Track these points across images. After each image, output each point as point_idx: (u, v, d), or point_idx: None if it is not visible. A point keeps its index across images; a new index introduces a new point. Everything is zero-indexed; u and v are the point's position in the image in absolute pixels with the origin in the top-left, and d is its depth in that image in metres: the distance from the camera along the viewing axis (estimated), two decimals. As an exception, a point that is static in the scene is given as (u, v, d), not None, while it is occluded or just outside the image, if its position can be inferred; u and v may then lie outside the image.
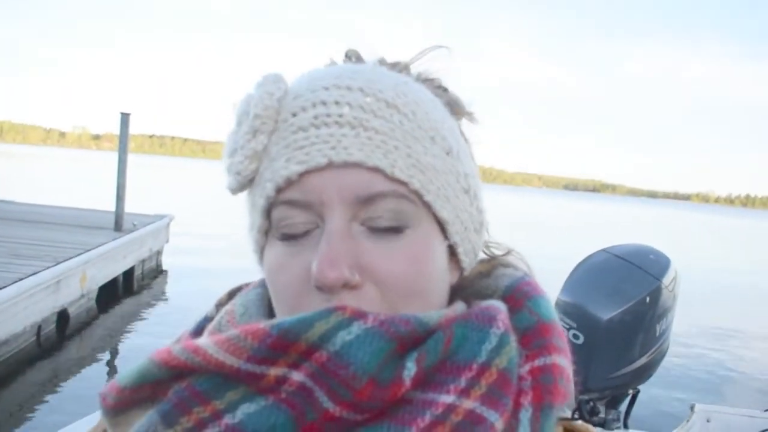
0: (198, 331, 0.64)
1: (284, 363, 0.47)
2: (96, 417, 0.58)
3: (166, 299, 10.26)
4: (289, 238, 0.54)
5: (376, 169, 0.52)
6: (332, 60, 0.63)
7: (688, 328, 10.35)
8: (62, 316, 7.61)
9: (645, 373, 2.08)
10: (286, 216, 0.54)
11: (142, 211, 12.58)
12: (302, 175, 0.53)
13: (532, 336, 0.56)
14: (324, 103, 0.54)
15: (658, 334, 2.06)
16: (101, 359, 7.25)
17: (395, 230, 0.53)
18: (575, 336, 1.99)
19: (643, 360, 2.04)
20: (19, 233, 9.40)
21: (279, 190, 0.54)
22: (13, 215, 11.36)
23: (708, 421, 3.25)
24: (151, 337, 7.73)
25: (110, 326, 8.38)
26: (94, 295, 8.63)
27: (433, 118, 0.57)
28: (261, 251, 0.59)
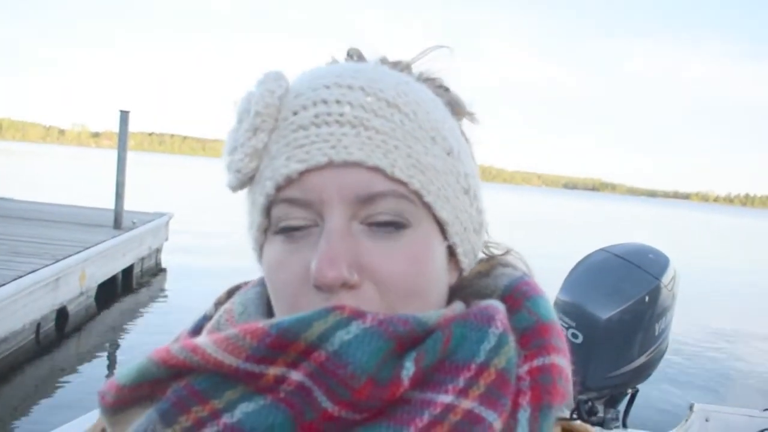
0: (197, 330, 0.64)
1: (283, 362, 0.47)
2: (95, 415, 0.58)
3: (166, 297, 10.26)
4: (288, 231, 0.54)
5: (376, 169, 0.52)
6: (334, 58, 0.63)
7: (688, 327, 10.36)
8: (61, 313, 7.61)
9: (644, 372, 2.08)
10: (285, 214, 0.54)
11: (142, 209, 12.58)
12: (302, 173, 0.53)
13: (531, 336, 0.56)
14: (325, 102, 0.54)
15: (657, 333, 2.06)
16: (100, 357, 7.26)
17: (395, 230, 0.53)
18: (574, 335, 1.99)
19: (642, 359, 2.04)
20: (18, 231, 9.40)
21: (279, 189, 0.54)
22: (12, 213, 11.35)
23: (707, 420, 3.25)
24: (150, 334, 7.73)
25: (109, 324, 8.38)
26: (93, 292, 8.63)
27: (434, 118, 0.57)
28: (260, 249, 0.59)
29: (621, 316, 1.99)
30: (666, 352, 2.16)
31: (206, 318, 0.65)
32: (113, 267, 9.48)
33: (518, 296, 0.59)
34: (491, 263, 0.64)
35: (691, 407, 3.37)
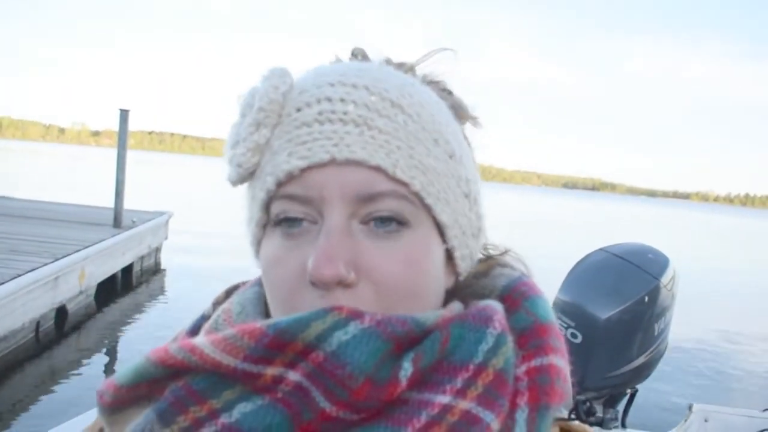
0: (195, 330, 0.64)
1: (281, 363, 0.47)
2: (93, 414, 0.58)
3: (165, 296, 10.26)
4: (287, 222, 0.54)
5: (377, 169, 0.52)
6: (338, 58, 0.63)
7: (687, 327, 10.36)
8: (61, 312, 7.61)
9: (643, 372, 2.08)
10: (285, 210, 0.54)
11: (141, 208, 12.58)
12: (304, 170, 0.53)
13: (529, 336, 0.56)
14: (329, 100, 0.54)
15: (656, 333, 2.06)
16: (100, 355, 7.26)
17: (394, 231, 0.53)
18: (573, 335, 1.99)
19: (641, 359, 2.04)
20: (17, 229, 9.40)
21: (279, 184, 0.54)
22: (11, 211, 11.34)
23: (706, 420, 3.25)
24: (149, 333, 7.74)
25: (109, 323, 8.39)
26: (92, 291, 8.63)
27: (438, 121, 0.57)
28: (258, 245, 0.59)
29: (620, 316, 1.99)
30: (665, 352, 2.16)
31: (204, 318, 0.65)
32: (113, 266, 9.48)
33: (516, 296, 0.59)
34: (490, 263, 0.64)
35: (690, 407, 3.37)
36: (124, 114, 10.67)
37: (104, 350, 7.48)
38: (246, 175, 0.57)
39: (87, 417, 1.91)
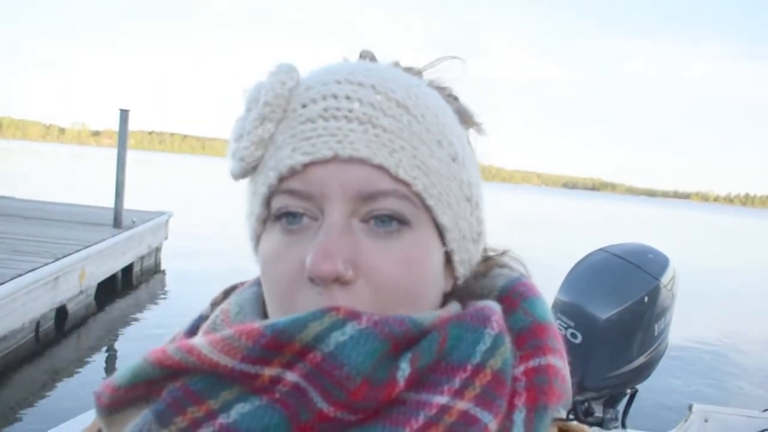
0: (193, 330, 0.64)
1: (278, 363, 0.47)
2: (91, 415, 0.58)
3: (165, 296, 10.27)
4: (287, 216, 0.54)
5: (380, 167, 0.52)
6: (346, 59, 0.63)
7: (687, 327, 10.36)
8: (61, 312, 7.61)
9: (643, 372, 2.08)
10: (286, 205, 0.54)
11: (142, 208, 12.58)
12: (306, 166, 0.53)
13: (527, 337, 0.55)
14: (335, 97, 0.54)
15: (656, 333, 2.06)
16: (100, 356, 7.26)
17: (394, 230, 0.53)
18: (573, 335, 1.99)
19: (641, 359, 2.04)
20: (18, 229, 9.40)
21: (282, 179, 0.54)
22: (12, 211, 11.35)
23: (706, 421, 3.25)
24: (149, 333, 7.74)
25: (109, 323, 8.39)
26: (92, 291, 8.63)
27: (442, 123, 0.57)
28: (257, 240, 0.58)
29: (620, 316, 1.98)
30: (665, 353, 2.16)
31: (202, 318, 0.65)
32: (113, 266, 9.48)
33: (515, 297, 0.58)
34: (488, 264, 0.64)
35: (690, 407, 3.37)
36: (124, 114, 10.67)
37: (104, 350, 7.48)
38: (249, 169, 0.57)
39: (86, 417, 1.91)
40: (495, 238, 0.66)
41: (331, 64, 0.60)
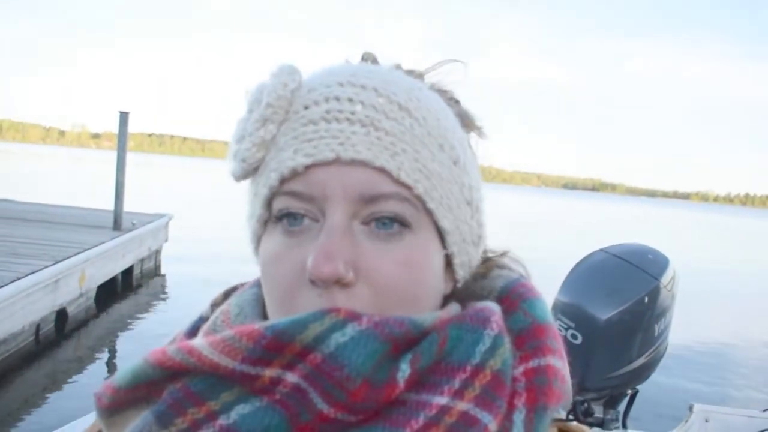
0: (193, 332, 0.64)
1: (279, 364, 0.47)
2: (91, 417, 0.58)
3: (165, 298, 10.26)
4: (288, 217, 0.54)
5: (382, 170, 0.52)
6: (348, 61, 0.63)
7: (687, 327, 10.35)
8: (61, 315, 7.61)
9: (643, 373, 2.08)
10: (287, 206, 0.54)
11: (141, 210, 12.58)
12: (308, 167, 0.53)
13: (527, 337, 0.55)
14: (337, 99, 0.54)
15: (656, 334, 2.06)
16: (100, 358, 7.26)
17: (395, 233, 0.53)
18: (573, 336, 1.99)
19: (641, 360, 2.04)
20: (18, 232, 9.40)
21: (283, 181, 0.54)
22: (12, 214, 11.35)
23: (706, 421, 3.25)
24: (149, 335, 7.74)
25: (109, 325, 8.39)
26: (92, 294, 8.63)
27: (444, 126, 0.57)
28: (258, 241, 0.58)
29: (620, 317, 1.98)
30: (665, 353, 2.16)
31: (202, 319, 0.65)
32: (113, 268, 9.48)
33: (514, 298, 0.59)
34: (488, 265, 0.64)
35: (690, 408, 3.37)
36: (123, 116, 10.67)
37: (105, 353, 7.48)
38: (250, 171, 0.57)
39: (86, 420, 1.91)
40: (495, 239, 0.66)
41: (333, 65, 0.60)
